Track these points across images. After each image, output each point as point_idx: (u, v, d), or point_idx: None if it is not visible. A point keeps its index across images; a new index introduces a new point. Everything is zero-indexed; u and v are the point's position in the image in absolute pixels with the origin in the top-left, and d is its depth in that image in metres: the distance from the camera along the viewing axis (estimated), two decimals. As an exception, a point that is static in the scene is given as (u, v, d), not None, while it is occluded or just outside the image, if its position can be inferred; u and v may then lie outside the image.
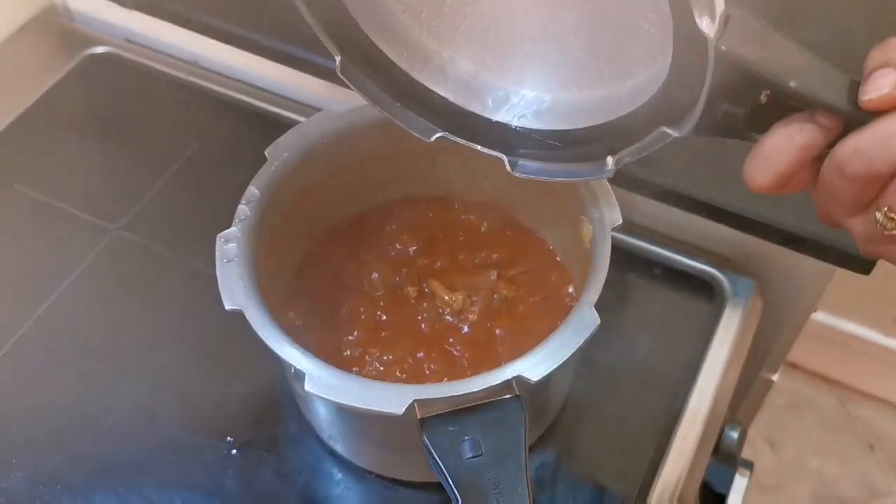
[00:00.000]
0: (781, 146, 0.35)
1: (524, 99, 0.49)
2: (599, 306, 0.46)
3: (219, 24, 0.72)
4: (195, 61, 0.81)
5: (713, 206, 0.61)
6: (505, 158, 0.48)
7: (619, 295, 0.63)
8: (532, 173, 0.48)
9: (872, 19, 0.71)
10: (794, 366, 1.43)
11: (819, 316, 1.31)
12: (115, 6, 0.78)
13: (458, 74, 0.50)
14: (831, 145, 0.34)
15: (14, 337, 0.62)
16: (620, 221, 0.50)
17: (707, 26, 0.33)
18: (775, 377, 0.81)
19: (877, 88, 0.32)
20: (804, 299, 0.68)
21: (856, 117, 0.33)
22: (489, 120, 0.49)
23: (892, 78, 0.32)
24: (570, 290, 0.57)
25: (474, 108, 0.49)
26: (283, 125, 0.56)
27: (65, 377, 0.60)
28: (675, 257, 0.65)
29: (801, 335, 0.75)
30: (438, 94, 0.49)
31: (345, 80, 0.48)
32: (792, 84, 0.34)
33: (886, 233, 0.34)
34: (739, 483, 0.67)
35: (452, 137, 0.49)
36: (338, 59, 0.47)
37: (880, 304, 1.27)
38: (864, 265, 0.59)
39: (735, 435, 0.64)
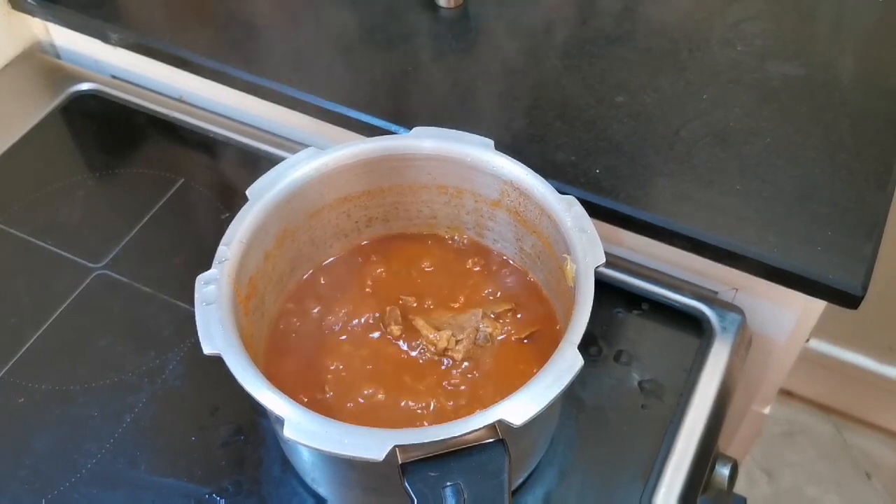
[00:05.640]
0: None
1: None
2: (585, 343, 0.45)
3: (203, 62, 0.72)
4: (180, 97, 0.80)
5: (700, 240, 0.61)
6: None
7: (605, 331, 0.62)
8: None
9: (855, 55, 0.71)
10: (789, 393, 1.42)
11: (814, 344, 1.30)
12: (101, 43, 0.78)
13: None
14: None
15: (-6, 379, 0.61)
16: (604, 261, 0.49)
17: None
18: (767, 410, 0.81)
19: None
20: (793, 333, 0.67)
21: None
22: None
23: None
24: (556, 327, 0.56)
25: None
26: (267, 161, 0.55)
27: (44, 419, 0.59)
28: (663, 292, 0.65)
29: (796, 362, 0.74)
30: None
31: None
32: None
33: None
34: (732, 519, 0.66)
35: None
36: None
37: (875, 332, 1.26)
38: (851, 300, 0.58)
39: (726, 472, 0.63)
